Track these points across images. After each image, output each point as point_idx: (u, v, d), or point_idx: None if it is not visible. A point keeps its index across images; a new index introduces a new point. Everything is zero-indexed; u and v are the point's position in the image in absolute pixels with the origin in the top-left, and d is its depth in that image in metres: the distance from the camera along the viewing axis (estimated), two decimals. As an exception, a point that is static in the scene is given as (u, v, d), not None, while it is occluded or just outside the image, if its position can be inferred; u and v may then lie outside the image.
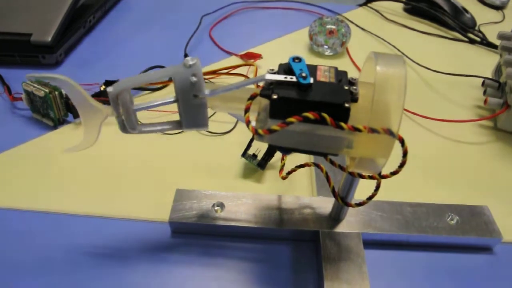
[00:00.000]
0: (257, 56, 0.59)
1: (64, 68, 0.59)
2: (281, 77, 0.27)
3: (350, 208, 0.36)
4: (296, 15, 0.74)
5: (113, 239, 0.36)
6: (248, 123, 0.27)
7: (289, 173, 0.36)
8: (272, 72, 0.29)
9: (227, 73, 0.55)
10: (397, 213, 0.37)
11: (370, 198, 0.32)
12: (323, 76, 0.27)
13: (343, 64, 0.61)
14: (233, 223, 0.36)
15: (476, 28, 0.69)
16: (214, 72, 0.54)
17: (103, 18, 0.71)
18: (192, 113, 0.28)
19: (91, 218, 0.38)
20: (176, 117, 0.29)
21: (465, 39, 0.67)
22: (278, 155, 0.44)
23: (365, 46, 0.65)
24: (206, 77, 0.54)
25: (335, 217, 0.37)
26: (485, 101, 0.49)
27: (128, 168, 0.42)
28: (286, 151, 0.29)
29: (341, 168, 0.31)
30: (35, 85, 0.47)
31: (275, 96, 0.26)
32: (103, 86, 0.51)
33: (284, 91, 0.26)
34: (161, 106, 0.29)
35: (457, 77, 0.56)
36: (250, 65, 0.56)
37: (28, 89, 0.47)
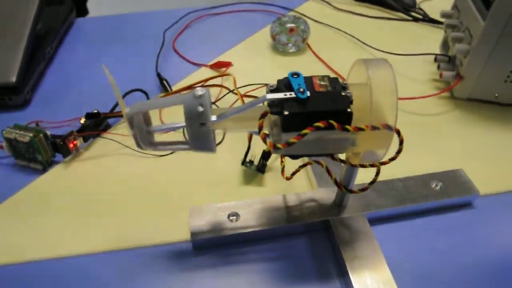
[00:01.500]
0: (227, 65, 0.61)
1: (33, 107, 0.57)
2: (281, 95, 0.30)
3: (351, 194, 0.40)
4: (251, 16, 0.76)
5: (137, 270, 0.37)
6: (264, 139, 0.29)
7: (293, 173, 0.40)
8: (272, 88, 0.32)
9: (202, 86, 0.57)
10: (391, 189, 0.42)
11: (372, 183, 0.36)
12: (320, 86, 0.31)
13: (308, 59, 0.65)
14: (250, 229, 0.39)
15: (417, 6, 0.75)
16: (189, 87, 0.56)
17: (59, 46, 0.70)
18: (199, 138, 0.31)
19: (110, 254, 0.39)
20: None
21: (410, 18, 0.73)
22: (273, 157, 0.47)
23: (323, 38, 0.69)
24: (183, 93, 0.56)
25: (339, 204, 0.41)
26: (440, 75, 0.55)
27: (130, 198, 0.43)
28: (297, 157, 0.32)
29: (343, 161, 0.35)
30: (17, 131, 0.46)
31: (286, 113, 0.28)
32: (83, 119, 0.51)
33: (292, 106, 0.29)
34: (173, 129, 0.32)
35: (411, 56, 0.61)
36: (225, 75, 0.57)
37: (10, 136, 0.46)
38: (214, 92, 0.57)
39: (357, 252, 0.37)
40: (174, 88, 0.57)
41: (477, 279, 0.37)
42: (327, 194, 0.42)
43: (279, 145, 0.29)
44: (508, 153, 0.49)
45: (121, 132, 0.51)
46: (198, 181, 0.45)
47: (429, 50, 0.62)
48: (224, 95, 0.55)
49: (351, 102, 0.30)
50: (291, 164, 0.41)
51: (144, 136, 0.31)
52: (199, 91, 0.29)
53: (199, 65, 0.63)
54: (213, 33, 0.72)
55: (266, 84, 0.55)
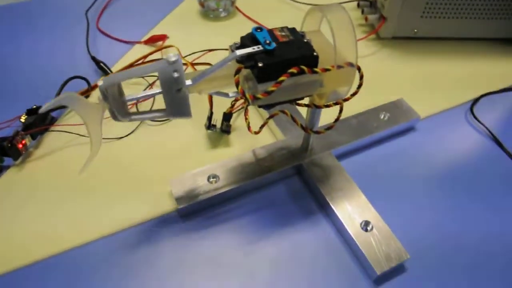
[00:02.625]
0: (163, 38, 0.60)
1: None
2: (249, 50, 0.31)
3: (315, 136, 0.44)
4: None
5: (130, 250, 0.38)
6: (243, 93, 0.31)
7: (262, 126, 0.41)
8: (237, 45, 0.33)
9: (143, 63, 0.55)
10: (347, 127, 0.46)
11: (336, 120, 0.39)
12: (282, 36, 0.33)
13: (240, 21, 0.66)
14: (231, 186, 0.40)
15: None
16: (131, 66, 0.54)
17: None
18: (176, 104, 0.31)
19: (101, 240, 0.38)
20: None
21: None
22: (232, 117, 0.48)
23: (249, -1, 0.71)
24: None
25: (306, 147, 0.44)
26: (366, 19, 0.60)
27: (103, 185, 0.42)
28: (270, 106, 0.34)
29: (308, 105, 0.37)
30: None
31: (260, 64, 0.30)
32: (24, 117, 0.47)
33: (264, 58, 0.30)
34: (148, 97, 0.32)
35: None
36: (167, 47, 0.56)
37: None
38: (156, 67, 0.56)
39: (332, 185, 0.41)
40: (114, 70, 0.55)
41: (429, 188, 0.43)
42: (293, 140, 0.45)
43: (259, 96, 0.30)
44: (435, 78, 0.56)
45: (70, 121, 0.48)
46: (167, 154, 0.45)
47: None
48: (170, 67, 0.54)
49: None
50: (254, 121, 0.43)
51: (121, 107, 0.31)
52: (172, 57, 0.30)
53: (132, 43, 0.61)
54: (137, 8, 0.69)
55: (210, 50, 0.57)
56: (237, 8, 0.68)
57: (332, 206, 0.39)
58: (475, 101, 0.53)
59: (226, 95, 0.34)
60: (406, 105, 0.49)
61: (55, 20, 0.66)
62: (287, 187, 0.43)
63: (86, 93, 0.52)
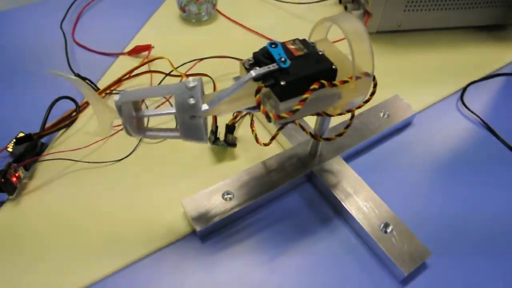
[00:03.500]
0: (148, 48, 0.57)
1: None
2: (265, 69, 0.30)
3: (322, 142, 0.44)
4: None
5: (151, 278, 0.36)
6: (266, 112, 0.30)
7: (273, 138, 0.41)
8: (251, 62, 0.32)
9: (130, 77, 0.53)
10: (351, 128, 0.46)
11: (347, 127, 0.39)
12: (296, 50, 0.32)
13: (224, 24, 0.64)
14: (249, 202, 0.40)
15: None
16: (119, 81, 0.52)
17: None
18: (189, 129, 0.31)
19: (119, 273, 0.37)
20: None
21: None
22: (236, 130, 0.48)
23: (228, 1, 0.69)
24: (111, 88, 0.52)
25: (315, 154, 0.44)
26: (351, 15, 0.60)
27: (113, 213, 0.40)
28: (291, 122, 0.34)
29: (321, 114, 0.37)
30: None
31: (283, 83, 0.29)
32: (12, 146, 0.44)
33: (285, 76, 0.30)
34: (161, 115, 0.31)
35: (315, 3, 0.65)
36: (157, 58, 0.53)
37: None
38: (144, 80, 0.54)
39: (346, 189, 0.41)
40: (100, 86, 0.53)
41: (431, 175, 0.45)
42: (300, 148, 0.44)
43: (284, 115, 0.30)
44: (422, 70, 0.57)
45: (62, 147, 0.46)
46: (172, 173, 0.44)
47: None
48: (161, 80, 0.52)
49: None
50: (260, 132, 0.42)
51: (133, 124, 0.31)
52: (191, 82, 0.28)
53: (115, 55, 0.58)
54: (112, 16, 0.66)
55: (200, 59, 0.55)
56: (218, 11, 0.66)
57: (350, 211, 0.39)
58: (464, 90, 0.55)
59: (240, 112, 0.33)
60: (403, 100, 0.50)
61: (32, 36, 0.61)
62: (301, 196, 0.43)
63: (74, 115, 0.49)
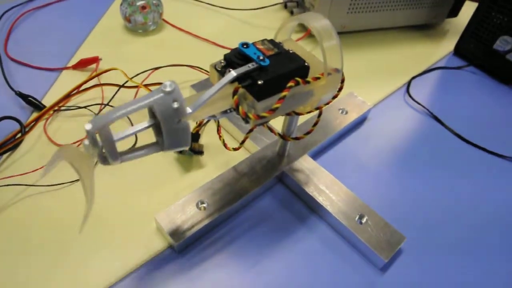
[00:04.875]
0: (95, 60, 0.54)
1: None
2: (246, 68, 0.30)
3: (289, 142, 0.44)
4: (79, 2, 0.68)
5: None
6: (245, 113, 0.30)
7: (243, 142, 0.40)
8: (223, 64, 0.32)
9: (79, 92, 0.49)
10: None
11: (315, 124, 0.40)
12: (267, 50, 0.32)
13: (172, 33, 0.63)
14: (225, 209, 0.39)
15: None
16: (67, 97, 0.48)
17: None
18: (176, 136, 0.29)
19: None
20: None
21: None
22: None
23: (175, 9, 0.67)
24: (60, 105, 0.48)
25: (283, 154, 0.44)
26: (298, 19, 0.62)
27: (79, 237, 0.37)
28: (266, 122, 0.34)
29: (290, 114, 0.37)
30: None
31: (260, 82, 0.29)
32: None
33: (261, 75, 0.30)
34: (139, 132, 0.29)
35: (261, 9, 0.66)
36: (110, 69, 0.50)
37: None
38: (95, 94, 0.50)
39: (317, 186, 0.42)
40: (46, 103, 0.48)
41: (390, 164, 0.47)
42: (268, 150, 0.44)
43: (264, 114, 0.29)
44: (369, 68, 0.60)
45: (8, 173, 0.41)
46: (141, 189, 0.42)
47: (272, 1, 0.68)
48: (115, 92, 0.49)
49: (297, 57, 0.32)
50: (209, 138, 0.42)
51: (114, 149, 0.27)
52: (168, 86, 0.27)
53: (57, 70, 0.54)
54: (50, 29, 0.61)
55: (155, 68, 0.53)
56: (164, 20, 0.65)
57: (325, 206, 0.40)
58: (408, 84, 0.59)
59: (214, 116, 0.33)
60: (358, 97, 0.52)
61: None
62: (274, 197, 0.43)
63: (19, 137, 0.45)
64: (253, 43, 0.32)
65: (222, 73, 0.31)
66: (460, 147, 0.51)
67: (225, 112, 0.32)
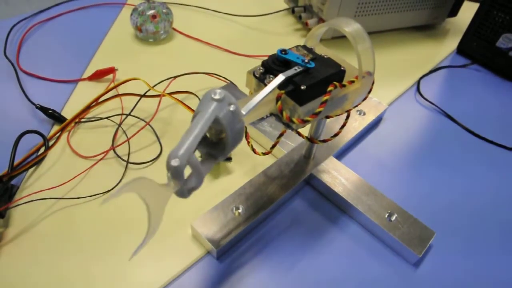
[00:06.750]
0: (111, 71, 0.54)
1: None
2: (292, 72, 0.31)
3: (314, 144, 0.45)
4: (89, 13, 0.68)
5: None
6: (289, 118, 0.30)
7: (273, 146, 0.41)
8: (261, 71, 0.32)
9: (98, 103, 0.49)
10: (335, 129, 0.49)
11: (342, 126, 0.41)
12: (303, 56, 0.33)
13: (183, 41, 0.63)
14: (259, 214, 0.39)
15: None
16: (88, 108, 0.48)
17: None
18: (238, 135, 0.29)
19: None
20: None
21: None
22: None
23: (183, 17, 0.68)
24: (80, 117, 0.48)
25: (309, 156, 0.45)
26: (306, 24, 0.63)
27: (115, 250, 0.37)
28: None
29: (327, 116, 0.38)
30: None
31: (303, 87, 0.30)
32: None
33: (303, 80, 0.30)
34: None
35: (268, 15, 0.67)
36: (132, 79, 0.49)
37: None
38: (114, 104, 0.51)
39: (346, 186, 0.42)
40: (66, 115, 0.48)
41: (410, 162, 0.48)
42: (295, 154, 0.45)
43: (307, 118, 0.30)
44: (381, 67, 0.61)
45: (36, 188, 0.41)
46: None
47: (278, 7, 0.69)
48: (137, 102, 0.49)
49: (332, 62, 0.33)
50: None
51: (202, 176, 0.27)
52: (217, 94, 0.27)
53: (73, 82, 0.54)
54: (59, 42, 0.61)
55: (174, 77, 0.53)
56: (174, 29, 0.65)
57: (356, 206, 0.41)
58: (418, 83, 0.61)
59: (254, 123, 0.33)
60: (373, 99, 0.54)
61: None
62: (303, 199, 0.43)
63: (43, 152, 0.44)
64: (290, 49, 0.33)
65: (261, 79, 0.32)
66: (475, 142, 0.52)
67: (261, 118, 0.33)
